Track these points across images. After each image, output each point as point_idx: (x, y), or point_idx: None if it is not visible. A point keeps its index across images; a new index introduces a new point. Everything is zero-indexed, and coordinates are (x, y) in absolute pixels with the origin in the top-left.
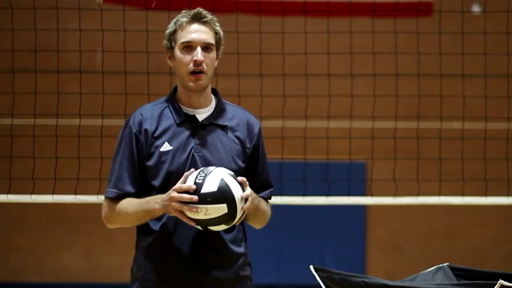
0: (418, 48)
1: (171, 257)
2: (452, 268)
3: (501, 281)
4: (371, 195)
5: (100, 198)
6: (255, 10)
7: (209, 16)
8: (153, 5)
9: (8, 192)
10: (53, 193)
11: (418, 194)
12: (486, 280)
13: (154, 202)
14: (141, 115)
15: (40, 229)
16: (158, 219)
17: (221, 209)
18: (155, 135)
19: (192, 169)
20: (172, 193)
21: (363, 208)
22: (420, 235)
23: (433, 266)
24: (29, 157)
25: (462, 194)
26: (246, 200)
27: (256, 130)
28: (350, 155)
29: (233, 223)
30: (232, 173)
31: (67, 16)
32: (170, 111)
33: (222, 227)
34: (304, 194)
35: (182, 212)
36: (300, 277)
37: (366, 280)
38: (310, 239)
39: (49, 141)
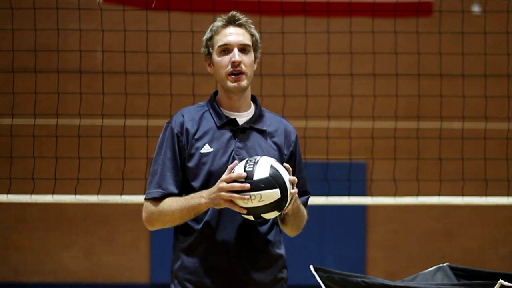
0: (418, 48)
1: (212, 257)
2: (452, 268)
3: (501, 281)
4: (371, 195)
5: (100, 198)
6: (255, 10)
7: (243, 19)
8: (153, 5)
9: (8, 192)
10: (53, 193)
11: (418, 194)
12: (486, 280)
13: (200, 196)
14: (183, 116)
15: (40, 229)
16: (198, 220)
17: (275, 194)
18: (196, 137)
19: (236, 161)
20: (221, 183)
21: (363, 208)
22: (420, 235)
23: (433, 266)
24: (29, 157)
25: (462, 194)
26: (293, 185)
27: (293, 138)
28: (350, 155)
29: (284, 210)
30: (277, 160)
31: (67, 16)
32: (211, 114)
33: (274, 214)
34: None
35: (232, 202)
36: (300, 277)
37: (366, 280)
38: (310, 239)
39: (49, 141)
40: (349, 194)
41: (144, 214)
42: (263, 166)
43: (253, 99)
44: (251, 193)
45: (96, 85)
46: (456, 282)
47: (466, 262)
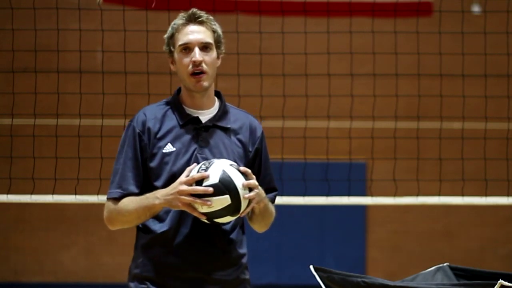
0: (418, 48)
1: (171, 256)
2: (452, 268)
3: (501, 281)
4: (371, 195)
5: (100, 198)
6: (255, 10)
7: (204, 16)
8: (153, 5)
9: (8, 192)
10: (53, 193)
11: (418, 194)
12: (486, 280)
13: (154, 197)
14: (145, 115)
15: (40, 229)
16: (158, 218)
17: (224, 200)
18: (158, 136)
19: (195, 164)
20: (182, 186)
21: (363, 208)
22: (420, 235)
23: (433, 266)
24: (29, 157)
25: (462, 194)
26: (250, 190)
27: (258, 134)
28: (350, 155)
29: (239, 214)
30: (235, 163)
31: (67, 16)
32: (173, 112)
33: (228, 219)
34: (304, 194)
35: (191, 206)
36: (300, 277)
37: (366, 280)
38: (310, 239)
39: (49, 141)
40: (349, 194)
41: (104, 214)
42: (215, 171)
43: (219, 95)
44: (200, 198)
45: (96, 85)
46: (456, 282)
47: (466, 262)
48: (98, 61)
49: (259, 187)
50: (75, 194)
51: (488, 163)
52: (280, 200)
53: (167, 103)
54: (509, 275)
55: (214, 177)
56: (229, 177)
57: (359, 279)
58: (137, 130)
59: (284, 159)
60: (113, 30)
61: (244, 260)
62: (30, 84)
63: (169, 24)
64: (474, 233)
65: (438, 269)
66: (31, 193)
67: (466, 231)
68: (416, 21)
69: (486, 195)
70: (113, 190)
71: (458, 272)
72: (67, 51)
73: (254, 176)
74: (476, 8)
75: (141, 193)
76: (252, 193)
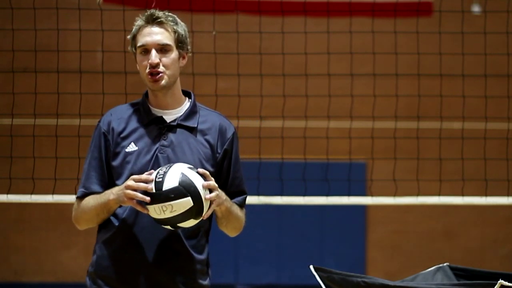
0: (418, 48)
1: (126, 254)
2: (452, 268)
3: (501, 281)
4: (371, 195)
5: None
6: (255, 10)
7: (163, 16)
8: (153, 5)
9: (8, 192)
10: (53, 193)
11: (418, 194)
12: (486, 280)
13: (109, 193)
14: (111, 115)
15: (40, 229)
16: (116, 215)
17: (186, 203)
18: (122, 135)
19: (152, 170)
20: (129, 181)
21: (363, 208)
22: (420, 235)
23: (433, 266)
24: (29, 157)
25: (462, 194)
26: (210, 191)
27: (229, 135)
28: (350, 155)
29: (202, 217)
30: (192, 166)
31: (67, 16)
32: (139, 112)
33: (191, 222)
34: (304, 194)
35: (136, 202)
36: (300, 277)
37: (366, 280)
38: (310, 239)
39: (49, 141)
40: (349, 194)
41: (72, 213)
42: (173, 175)
43: (189, 95)
44: (162, 204)
45: (96, 85)
46: (456, 282)
47: (466, 262)
48: (98, 61)
49: (219, 190)
50: (75, 194)
51: (488, 163)
52: (280, 200)
53: (135, 104)
54: (509, 275)
55: (173, 180)
56: (189, 179)
57: (359, 279)
58: (102, 130)
59: (284, 159)
60: (113, 30)
61: (203, 265)
62: (30, 84)
63: None
64: (474, 233)
65: (438, 269)
66: (31, 193)
67: (466, 231)
68: (416, 21)
69: (486, 195)
70: (80, 190)
71: (458, 272)
72: (67, 51)
73: (212, 178)
74: (476, 8)
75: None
76: (212, 194)
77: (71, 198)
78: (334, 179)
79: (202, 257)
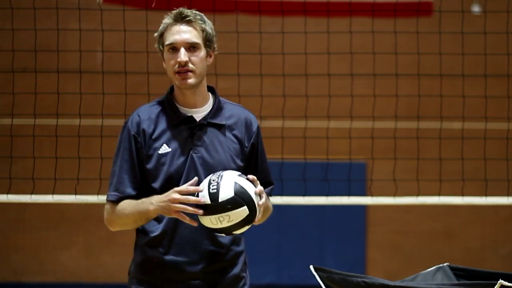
0: (418, 48)
1: (170, 256)
2: (452, 268)
3: (501, 281)
4: (371, 195)
5: (100, 198)
6: (255, 10)
7: (192, 15)
8: (153, 5)
9: (8, 192)
10: (53, 193)
11: (418, 194)
12: (486, 280)
13: (149, 203)
14: (139, 116)
15: (40, 229)
16: (157, 219)
17: (243, 211)
18: (153, 137)
19: (196, 178)
20: (174, 194)
21: (363, 208)
22: (420, 235)
23: (433, 266)
24: (29, 157)
25: (462, 194)
26: (260, 196)
27: (254, 128)
28: (350, 155)
29: (254, 222)
30: (240, 173)
31: (67, 16)
32: (167, 112)
33: (245, 228)
34: (304, 194)
35: (182, 214)
36: (300, 277)
37: (366, 280)
38: (310, 239)
39: (49, 141)
40: (349, 194)
41: (104, 215)
42: (227, 185)
43: (213, 91)
44: (219, 214)
45: (96, 85)
46: (456, 282)
47: (466, 262)
48: (98, 61)
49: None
50: (75, 194)
51: (488, 163)
52: (280, 200)
53: (161, 103)
54: (509, 275)
55: (229, 191)
56: (243, 188)
57: (359, 279)
58: (132, 132)
59: (284, 159)
60: (113, 30)
61: (243, 257)
62: (30, 84)
63: None
64: (474, 233)
65: (438, 269)
66: (31, 193)
67: (466, 231)
68: (416, 21)
69: (486, 195)
70: (111, 193)
71: (458, 272)
72: (67, 51)
73: (259, 182)
74: (476, 8)
75: (139, 194)
76: (263, 200)
77: (71, 198)
78: (334, 179)
79: (240, 248)
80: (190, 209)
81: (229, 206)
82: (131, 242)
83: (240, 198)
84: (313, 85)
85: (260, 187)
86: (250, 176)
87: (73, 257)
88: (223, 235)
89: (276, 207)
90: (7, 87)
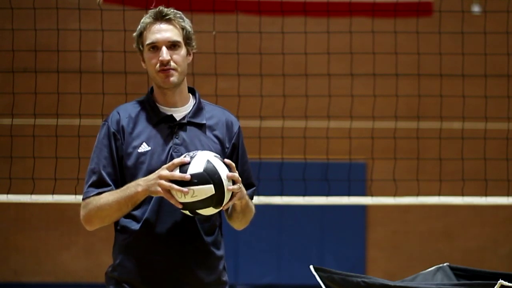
0: (418, 48)
1: (150, 256)
2: (452, 268)
3: (501, 281)
4: (371, 195)
5: None
6: (255, 10)
7: (172, 13)
8: (153, 5)
9: (8, 192)
10: (53, 193)
11: (418, 194)
12: (486, 280)
13: (136, 185)
14: (119, 114)
15: (40, 229)
16: (136, 218)
17: (208, 190)
18: (133, 135)
19: (180, 158)
20: (163, 171)
21: (363, 208)
22: (420, 235)
23: (433, 266)
24: (29, 157)
25: (462, 194)
26: (233, 182)
27: (235, 129)
28: (350, 155)
29: (222, 207)
30: (218, 155)
31: (67, 16)
32: (147, 111)
33: (210, 211)
34: (304, 194)
35: (169, 193)
36: (300, 277)
37: (366, 280)
38: (310, 239)
39: (49, 141)
40: (349, 194)
41: (82, 213)
42: (199, 161)
43: (193, 92)
44: (184, 187)
45: (96, 85)
46: (456, 282)
47: (466, 262)
48: (98, 61)
49: (241, 184)
50: (75, 194)
51: (488, 163)
52: (280, 200)
53: (141, 102)
54: (509, 275)
55: (198, 166)
56: (214, 167)
57: (359, 279)
58: (112, 130)
59: (284, 159)
60: (113, 30)
61: (223, 261)
62: (30, 84)
63: None
64: (474, 233)
65: (438, 269)
66: (31, 193)
67: (466, 231)
68: (416, 21)
69: (486, 195)
70: (90, 189)
71: (458, 272)
72: (67, 51)
73: (236, 171)
74: (476, 8)
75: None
76: (235, 186)
77: (71, 198)
78: (334, 179)
79: (220, 252)
80: (176, 187)
81: (195, 181)
82: None
83: (208, 176)
84: (313, 85)
85: (234, 173)
86: (227, 160)
87: (73, 257)
88: (187, 212)
89: (276, 207)
90: (7, 87)
